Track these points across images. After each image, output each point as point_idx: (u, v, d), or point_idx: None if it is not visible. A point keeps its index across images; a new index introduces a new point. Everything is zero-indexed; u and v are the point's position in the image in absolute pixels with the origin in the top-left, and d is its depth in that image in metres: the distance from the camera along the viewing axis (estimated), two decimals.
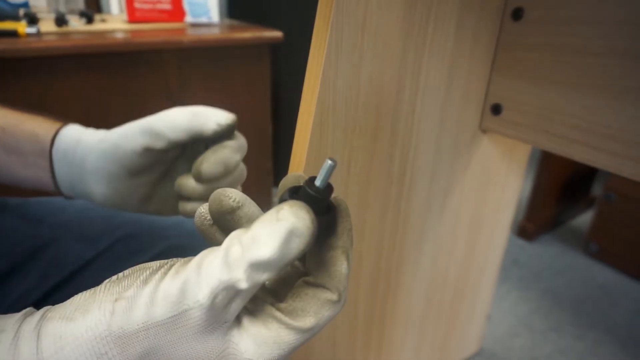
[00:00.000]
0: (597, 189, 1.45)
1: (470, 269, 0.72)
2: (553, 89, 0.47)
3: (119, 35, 0.93)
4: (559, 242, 1.30)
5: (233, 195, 0.21)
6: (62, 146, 0.36)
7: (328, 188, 0.20)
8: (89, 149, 0.35)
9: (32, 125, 0.37)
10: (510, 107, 0.52)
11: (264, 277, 0.18)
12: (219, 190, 0.21)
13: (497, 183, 0.65)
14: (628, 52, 0.40)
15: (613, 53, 0.41)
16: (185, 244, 0.48)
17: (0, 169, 0.37)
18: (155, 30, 1.01)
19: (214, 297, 0.17)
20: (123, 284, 0.19)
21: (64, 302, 0.19)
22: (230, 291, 0.18)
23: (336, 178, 0.43)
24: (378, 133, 0.45)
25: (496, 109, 0.53)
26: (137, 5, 1.04)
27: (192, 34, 0.98)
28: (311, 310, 0.20)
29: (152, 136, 0.33)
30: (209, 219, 0.23)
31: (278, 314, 0.20)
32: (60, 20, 0.97)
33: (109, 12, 1.37)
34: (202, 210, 0.23)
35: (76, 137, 0.36)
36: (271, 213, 0.18)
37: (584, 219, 1.41)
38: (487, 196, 0.65)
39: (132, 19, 1.05)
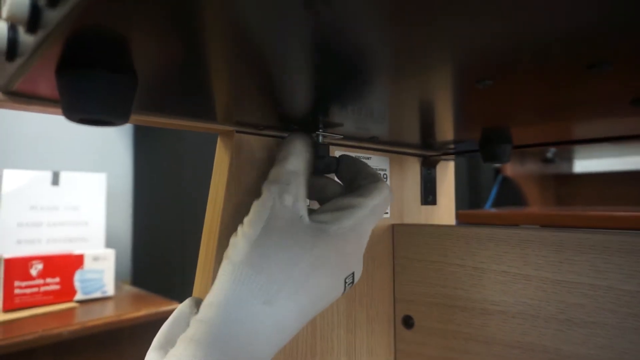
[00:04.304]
0: None
1: None
2: None
3: None
4: None
5: None
6: None
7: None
8: None
9: None
10: None
11: (296, 172, 0.30)
12: None
13: None
14: None
15: None
16: None
17: None
18: (35, 318, 0.90)
19: (280, 199, 0.29)
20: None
21: None
22: (285, 190, 0.29)
23: None
24: None
25: None
26: (17, 291, 0.95)
27: (76, 322, 0.87)
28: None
29: None
30: None
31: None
32: None
33: None
34: None
35: None
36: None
37: None
38: None
39: (8, 307, 0.93)
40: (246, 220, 0.29)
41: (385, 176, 0.48)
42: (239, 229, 0.29)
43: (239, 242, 0.28)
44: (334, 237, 0.30)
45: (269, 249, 0.28)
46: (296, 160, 0.30)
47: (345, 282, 0.32)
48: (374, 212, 0.32)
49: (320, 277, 0.30)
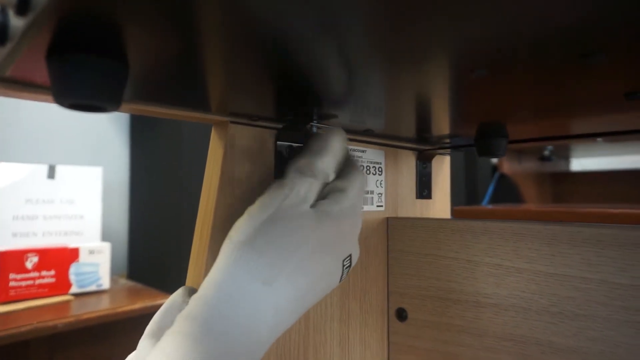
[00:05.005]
0: None
1: None
2: None
3: None
4: None
5: None
6: None
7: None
8: None
9: None
10: None
11: (326, 172, 0.31)
12: None
13: None
14: None
15: None
16: None
17: None
18: (29, 310, 0.90)
19: (298, 189, 0.30)
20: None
21: None
22: (309, 185, 0.30)
23: None
24: None
25: None
26: (12, 283, 0.94)
27: (70, 314, 0.87)
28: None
29: None
30: None
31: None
32: None
33: None
34: None
35: None
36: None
37: None
38: None
39: (3, 300, 0.93)
40: (259, 201, 0.29)
41: (380, 169, 0.48)
42: (249, 209, 0.29)
43: (243, 223, 0.28)
44: (335, 219, 0.31)
45: (273, 233, 0.28)
46: (330, 159, 0.31)
47: (343, 265, 0.32)
48: (361, 191, 0.34)
49: (320, 259, 0.30)
